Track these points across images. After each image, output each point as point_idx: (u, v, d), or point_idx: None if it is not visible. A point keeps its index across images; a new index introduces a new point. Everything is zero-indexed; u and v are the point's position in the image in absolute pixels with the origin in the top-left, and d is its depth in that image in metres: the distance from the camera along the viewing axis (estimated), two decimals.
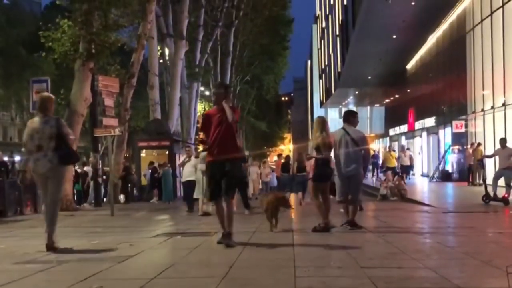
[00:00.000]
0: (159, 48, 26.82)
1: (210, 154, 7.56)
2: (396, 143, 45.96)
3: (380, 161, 30.20)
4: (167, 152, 24.18)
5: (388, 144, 43.69)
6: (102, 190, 21.29)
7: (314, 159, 9.34)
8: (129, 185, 22.26)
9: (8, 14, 34.93)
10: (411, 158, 28.38)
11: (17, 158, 31.73)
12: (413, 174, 33.97)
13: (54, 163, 7.28)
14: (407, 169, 27.39)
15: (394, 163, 24.66)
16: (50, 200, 7.39)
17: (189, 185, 14.78)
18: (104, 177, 23.02)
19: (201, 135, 8.28)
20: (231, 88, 27.04)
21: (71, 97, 17.91)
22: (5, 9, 41.32)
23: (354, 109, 73.39)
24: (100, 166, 21.87)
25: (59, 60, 18.57)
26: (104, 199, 20.93)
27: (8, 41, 33.56)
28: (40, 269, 5.92)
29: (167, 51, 28.32)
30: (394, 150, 28.16)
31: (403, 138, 45.51)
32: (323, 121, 9.45)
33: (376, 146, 56.83)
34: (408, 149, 30.26)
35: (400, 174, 22.95)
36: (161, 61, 27.95)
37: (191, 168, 14.76)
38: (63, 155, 7.36)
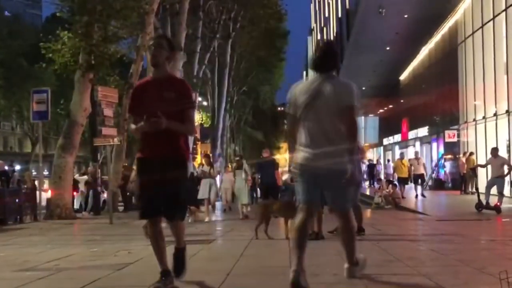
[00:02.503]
0: None
1: (140, 149, 5.13)
2: (390, 152, 46.37)
3: (391, 170, 30.09)
4: None
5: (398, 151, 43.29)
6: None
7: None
8: (128, 193, 22.52)
9: (10, 26, 35.38)
10: (425, 166, 25.26)
11: (17, 167, 32.07)
12: (427, 185, 28.95)
13: None
14: (421, 179, 23.70)
15: (406, 173, 23.17)
16: None
17: None
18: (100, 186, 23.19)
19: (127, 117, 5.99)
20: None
21: (71, 107, 18.15)
22: (7, 21, 41.67)
23: None
24: (99, 175, 22.16)
25: (59, 71, 18.81)
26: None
27: (10, 53, 33.88)
28: (40, 276, 5.94)
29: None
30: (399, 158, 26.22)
31: (396, 147, 45.94)
32: None
33: (371, 155, 57.21)
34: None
35: (415, 183, 23.20)
36: None
37: None
38: None
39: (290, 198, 10.60)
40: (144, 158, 5.07)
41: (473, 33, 26.62)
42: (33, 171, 26.02)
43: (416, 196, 22.46)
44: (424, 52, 35.58)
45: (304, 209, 4.93)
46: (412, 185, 24.21)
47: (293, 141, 5.06)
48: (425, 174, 24.83)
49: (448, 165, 29.44)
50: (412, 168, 23.28)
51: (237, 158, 19.57)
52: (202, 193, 15.16)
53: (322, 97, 4.77)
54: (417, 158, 24.02)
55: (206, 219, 13.29)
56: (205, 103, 41.82)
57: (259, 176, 16.71)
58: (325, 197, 4.96)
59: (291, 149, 5.40)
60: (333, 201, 5.00)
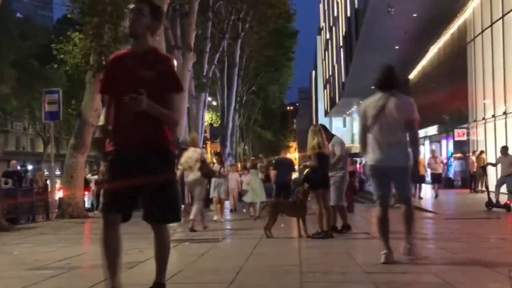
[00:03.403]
0: None
1: (112, 140, 4.18)
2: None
3: None
4: (176, 160, 24.57)
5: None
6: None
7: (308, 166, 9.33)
8: None
9: (21, 28, 35.72)
10: (443, 165, 24.68)
11: (29, 167, 32.29)
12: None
13: None
14: (439, 178, 22.74)
15: (423, 171, 21.52)
16: None
17: None
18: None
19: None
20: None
21: (82, 108, 18.32)
22: (18, 23, 42.03)
23: (358, 118, 73.90)
24: None
25: (70, 72, 18.92)
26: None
27: (21, 54, 34.22)
28: (52, 275, 5.95)
29: (175, 63, 28.87)
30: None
31: None
32: (316, 130, 9.35)
33: None
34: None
35: (433, 183, 22.32)
36: None
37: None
38: None
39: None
40: (118, 151, 4.09)
41: (482, 31, 26.59)
42: (45, 170, 26.23)
43: (436, 196, 21.49)
44: (433, 51, 35.52)
45: (380, 202, 6.12)
46: (428, 185, 23.80)
47: (364, 145, 6.19)
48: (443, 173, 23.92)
49: (457, 163, 29.40)
50: (430, 167, 22.34)
51: (253, 158, 19.76)
52: (212, 192, 15.11)
53: (387, 111, 5.95)
54: (434, 157, 22.82)
55: (215, 218, 13.32)
56: (214, 103, 42.06)
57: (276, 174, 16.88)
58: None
59: (363, 151, 6.34)
60: (398, 191, 6.17)
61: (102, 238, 4.29)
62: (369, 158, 6.13)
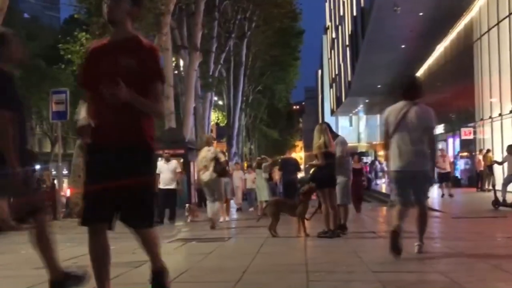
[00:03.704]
0: (174, 59, 27.36)
1: (92, 133, 3.80)
2: None
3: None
4: (182, 160, 24.68)
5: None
6: None
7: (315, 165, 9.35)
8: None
9: (28, 28, 35.89)
10: (451, 164, 24.26)
11: (37, 166, 32.28)
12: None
13: None
14: (447, 177, 21.97)
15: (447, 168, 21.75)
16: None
17: (167, 194, 14.13)
18: None
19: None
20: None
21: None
22: (26, 23, 42.24)
23: (364, 117, 73.95)
24: None
25: (77, 72, 19.14)
26: None
27: (28, 54, 34.35)
28: None
29: (181, 62, 28.95)
30: None
31: None
32: (322, 129, 9.35)
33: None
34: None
35: (440, 182, 21.93)
36: (176, 72, 28.53)
37: (169, 174, 14.25)
38: None
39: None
40: (95, 145, 3.80)
41: (488, 30, 26.56)
42: (52, 170, 26.39)
43: (443, 195, 21.29)
44: (439, 49, 35.48)
45: (401, 203, 6.58)
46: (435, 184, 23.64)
47: (386, 149, 6.71)
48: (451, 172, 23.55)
49: (463, 162, 29.36)
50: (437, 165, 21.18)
51: (259, 158, 19.89)
52: None
53: (408, 119, 6.39)
54: (442, 155, 22.15)
55: (221, 219, 13.31)
56: (220, 102, 42.12)
57: (281, 174, 17.01)
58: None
59: (386, 156, 7.00)
60: (415, 194, 6.52)
61: (89, 247, 3.96)
62: (392, 164, 6.56)
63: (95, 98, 3.81)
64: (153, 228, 4.06)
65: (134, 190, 3.71)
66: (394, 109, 6.62)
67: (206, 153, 12.10)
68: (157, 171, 14.12)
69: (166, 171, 14.19)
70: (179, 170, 14.66)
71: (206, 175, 11.93)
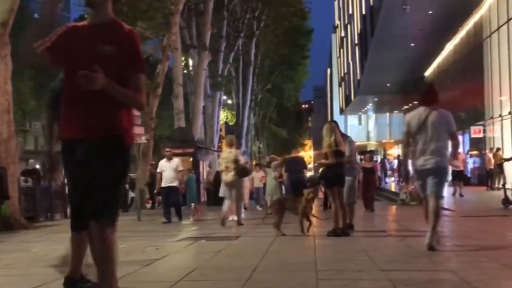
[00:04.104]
0: (183, 59, 27.49)
1: (61, 124, 3.74)
2: None
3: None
4: (191, 159, 24.74)
5: None
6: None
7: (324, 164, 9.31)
8: (155, 191, 22.84)
9: None
10: (465, 162, 23.67)
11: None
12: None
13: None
14: (460, 176, 20.87)
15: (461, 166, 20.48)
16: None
17: (170, 192, 14.09)
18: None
19: None
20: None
21: None
22: (36, 23, 42.32)
23: (373, 116, 73.83)
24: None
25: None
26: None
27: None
28: None
29: (191, 62, 29.09)
30: None
31: None
32: (331, 127, 9.37)
33: (396, 152, 56.97)
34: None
35: (453, 181, 20.41)
36: (185, 71, 28.63)
37: (172, 172, 14.19)
38: None
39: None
40: (67, 141, 3.62)
41: (498, 28, 26.44)
42: (62, 169, 26.40)
43: (454, 193, 20.81)
44: (449, 48, 35.36)
45: (425, 199, 7.18)
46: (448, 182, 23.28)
47: (406, 150, 7.39)
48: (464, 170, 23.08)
49: (473, 161, 29.26)
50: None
51: (269, 157, 19.95)
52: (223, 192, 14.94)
53: (429, 123, 7.10)
54: (456, 153, 20.92)
55: (230, 218, 13.29)
56: (229, 101, 42.17)
57: (288, 173, 16.98)
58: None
59: (405, 156, 7.65)
60: (432, 188, 7.04)
61: (71, 240, 4.21)
62: (414, 163, 7.24)
63: (68, 83, 3.57)
64: (112, 229, 3.62)
65: (100, 182, 3.45)
66: (416, 114, 7.29)
67: (227, 154, 12.43)
68: (159, 170, 14.41)
69: (168, 169, 14.22)
70: (181, 168, 14.63)
71: (228, 176, 12.24)
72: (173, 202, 14.14)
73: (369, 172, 16.85)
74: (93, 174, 3.44)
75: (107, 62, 3.38)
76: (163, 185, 14.19)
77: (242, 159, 13.14)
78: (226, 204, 12.33)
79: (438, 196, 7.11)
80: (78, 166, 3.52)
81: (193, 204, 14.82)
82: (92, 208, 3.51)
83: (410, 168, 7.47)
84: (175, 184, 14.09)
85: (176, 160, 14.61)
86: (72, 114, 3.51)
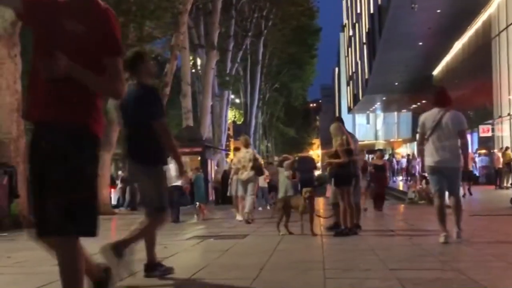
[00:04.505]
0: (191, 58, 27.58)
1: (26, 104, 3.27)
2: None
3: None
4: (199, 158, 24.82)
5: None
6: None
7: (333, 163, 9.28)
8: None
9: None
10: (474, 161, 23.94)
11: None
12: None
13: None
14: (470, 175, 20.77)
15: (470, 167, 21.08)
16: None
17: (173, 192, 13.62)
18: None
19: None
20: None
21: (108, 106, 18.56)
22: None
23: (381, 115, 73.70)
24: None
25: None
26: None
27: None
28: None
29: (199, 61, 29.19)
30: None
31: None
32: (339, 126, 9.40)
33: (404, 151, 56.86)
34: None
35: (462, 181, 21.01)
36: (193, 70, 28.73)
37: (176, 172, 14.01)
38: None
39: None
40: (34, 130, 3.18)
41: (507, 27, 26.38)
42: None
43: (464, 195, 19.61)
44: (457, 46, 35.30)
45: (437, 195, 7.60)
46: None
47: (422, 148, 7.77)
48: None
49: (481, 160, 29.19)
50: None
51: (283, 156, 19.99)
52: (231, 190, 14.68)
53: (443, 123, 7.53)
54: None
55: (237, 218, 13.25)
56: (237, 101, 42.21)
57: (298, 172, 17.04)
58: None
59: (420, 154, 8.13)
60: (450, 187, 7.60)
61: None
62: (428, 160, 7.60)
63: (34, 60, 3.11)
64: (76, 244, 3.21)
65: (60, 185, 3.00)
66: (430, 115, 7.71)
67: (244, 154, 12.99)
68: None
69: (172, 168, 14.05)
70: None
71: (244, 175, 12.81)
72: (176, 202, 13.91)
73: (379, 170, 16.69)
74: (55, 164, 3.00)
75: (77, 42, 3.02)
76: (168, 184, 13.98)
77: (260, 158, 13.57)
78: (249, 202, 12.72)
79: (456, 193, 7.65)
80: (41, 160, 3.07)
81: (197, 204, 14.70)
82: (55, 225, 3.03)
83: (425, 164, 7.77)
84: (179, 183, 13.68)
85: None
86: (37, 95, 3.10)
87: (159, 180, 5.29)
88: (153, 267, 5.39)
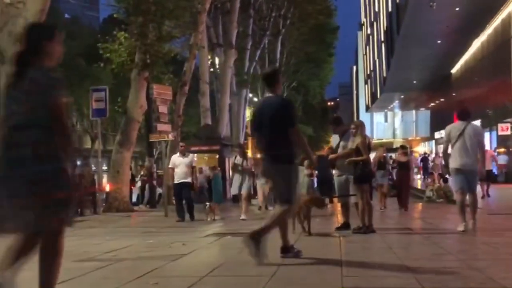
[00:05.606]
0: (209, 57, 27.67)
1: None
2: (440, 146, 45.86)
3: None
4: (217, 156, 24.86)
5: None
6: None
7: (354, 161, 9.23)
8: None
9: (69, 28, 36.56)
10: (495, 160, 23.40)
11: (78, 162, 32.90)
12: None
13: None
14: (489, 175, 19.34)
15: (489, 166, 20.02)
16: None
17: (182, 188, 13.61)
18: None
19: None
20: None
21: (128, 105, 18.79)
22: (66, 23, 43.07)
23: (400, 113, 73.31)
24: (155, 169, 22.75)
25: (116, 70, 19.36)
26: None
27: (69, 53, 34.73)
28: (98, 266, 6.08)
29: (217, 60, 29.29)
30: None
31: None
32: (361, 123, 9.60)
33: (422, 149, 56.60)
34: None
35: (481, 181, 20.17)
36: (211, 69, 28.82)
37: (185, 168, 13.65)
38: None
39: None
40: None
41: None
42: (92, 166, 26.95)
43: (483, 196, 18.98)
44: (476, 44, 35.08)
45: (460, 192, 9.02)
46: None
47: (447, 154, 9.28)
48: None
49: (500, 158, 28.99)
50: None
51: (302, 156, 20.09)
52: (234, 189, 14.36)
53: (465, 134, 8.93)
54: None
55: (242, 217, 13.13)
56: (255, 99, 42.17)
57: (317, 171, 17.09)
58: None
59: (446, 160, 9.42)
60: (469, 186, 8.98)
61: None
62: (453, 163, 8.96)
63: None
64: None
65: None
66: (455, 127, 9.15)
67: None
68: (171, 165, 13.93)
69: (181, 164, 13.65)
70: (194, 164, 14.20)
71: None
72: (185, 199, 13.70)
73: (403, 167, 15.96)
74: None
75: None
76: (175, 181, 13.69)
77: None
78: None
79: (473, 190, 9.14)
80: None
81: (208, 204, 14.16)
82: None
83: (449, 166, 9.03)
84: (188, 180, 13.62)
85: (191, 156, 14.21)
86: None
87: (289, 177, 6.13)
88: (287, 249, 6.34)
